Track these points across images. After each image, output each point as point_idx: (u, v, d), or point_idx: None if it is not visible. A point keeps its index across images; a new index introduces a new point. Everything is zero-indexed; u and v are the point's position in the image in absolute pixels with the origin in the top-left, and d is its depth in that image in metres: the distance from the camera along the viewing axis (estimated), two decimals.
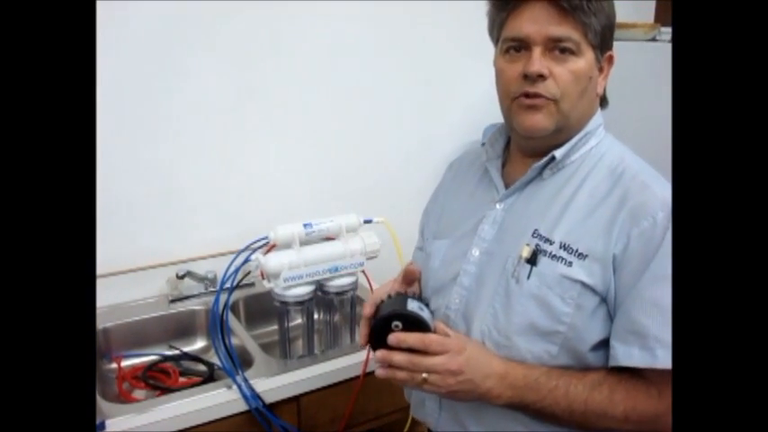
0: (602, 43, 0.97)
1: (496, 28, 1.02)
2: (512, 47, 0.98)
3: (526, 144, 1.05)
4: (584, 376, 0.94)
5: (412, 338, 0.92)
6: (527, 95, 0.97)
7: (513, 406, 0.95)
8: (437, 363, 0.91)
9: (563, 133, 1.00)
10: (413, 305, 0.96)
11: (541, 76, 0.95)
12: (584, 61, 0.96)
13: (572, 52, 0.95)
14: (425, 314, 0.96)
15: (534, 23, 0.95)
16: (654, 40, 1.94)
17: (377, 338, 0.94)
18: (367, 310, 1.01)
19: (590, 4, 0.93)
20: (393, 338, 0.92)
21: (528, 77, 0.95)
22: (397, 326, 0.93)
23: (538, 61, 0.95)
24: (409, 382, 0.93)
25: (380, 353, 0.93)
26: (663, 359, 0.89)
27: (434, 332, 0.95)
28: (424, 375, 0.91)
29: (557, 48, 0.95)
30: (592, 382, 0.93)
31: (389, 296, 1.01)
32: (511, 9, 0.98)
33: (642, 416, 0.91)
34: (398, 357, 0.92)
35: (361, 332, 1.01)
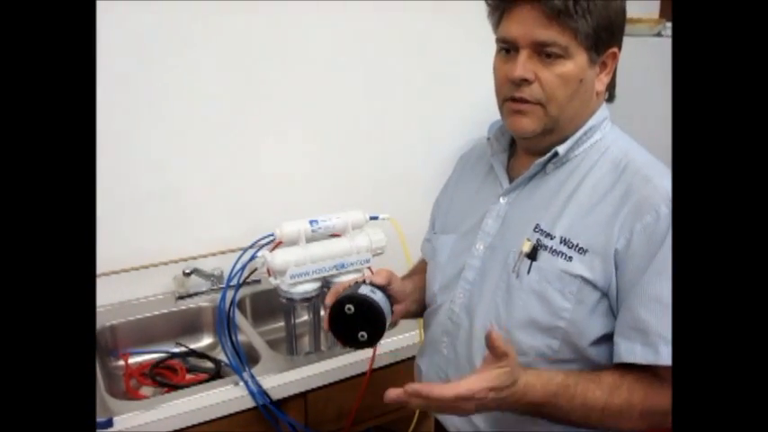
0: (598, 43, 0.95)
1: (493, 27, 1.02)
2: (503, 48, 0.99)
3: (522, 143, 1.07)
4: (600, 380, 0.92)
5: (433, 391, 0.85)
6: (513, 100, 0.98)
7: (526, 414, 0.94)
8: (450, 406, 0.87)
9: (554, 134, 1.00)
10: (365, 289, 1.04)
11: (525, 81, 0.95)
12: (574, 64, 0.95)
13: (559, 56, 0.94)
14: (377, 296, 1.04)
15: (522, 26, 0.94)
16: (659, 35, 1.93)
17: (335, 324, 1.03)
18: (328, 299, 1.06)
19: (577, 6, 0.91)
20: (410, 389, 0.85)
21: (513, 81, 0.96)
22: (349, 308, 1.01)
23: (521, 66, 0.95)
24: None
25: (393, 394, 0.86)
26: (665, 356, 0.89)
27: (391, 313, 1.06)
28: None
29: (543, 52, 0.94)
30: (610, 387, 0.91)
31: (349, 286, 1.08)
32: (503, 10, 0.98)
33: (656, 413, 0.91)
34: (415, 402, 0.87)
35: (325, 318, 1.06)
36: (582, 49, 0.94)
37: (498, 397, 0.88)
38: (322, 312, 1.61)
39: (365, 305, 1.02)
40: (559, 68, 0.94)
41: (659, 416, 0.91)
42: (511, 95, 0.98)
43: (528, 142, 1.04)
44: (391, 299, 1.09)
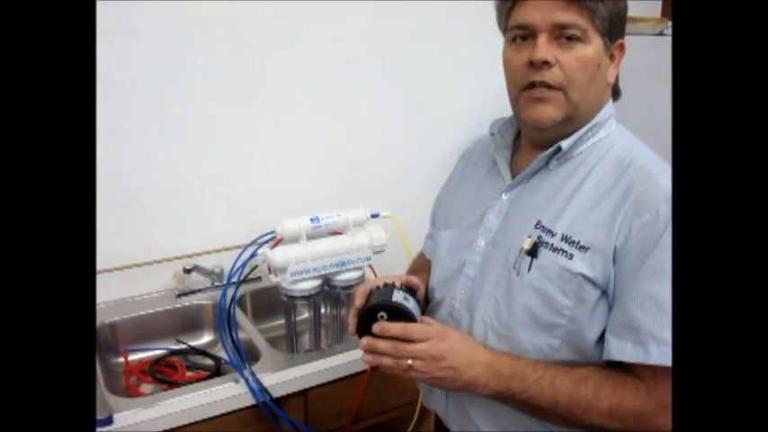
0: (611, 30, 0.96)
1: (503, 17, 1.02)
2: (518, 35, 0.98)
3: (535, 135, 1.05)
4: (571, 370, 0.94)
5: (395, 328, 0.95)
6: (533, 86, 0.96)
7: (498, 396, 0.95)
8: (420, 349, 0.94)
9: (572, 123, 0.99)
10: (398, 296, 1.00)
11: (547, 63, 0.94)
12: (592, 48, 0.95)
13: (578, 39, 0.94)
14: (410, 304, 1.00)
15: (539, 10, 0.94)
16: (661, 34, 1.93)
17: (364, 328, 0.99)
18: (357, 301, 1.04)
19: None
20: (377, 327, 0.96)
21: (533, 65, 0.95)
22: (382, 316, 0.97)
23: (543, 48, 0.94)
24: (395, 368, 0.95)
25: (365, 339, 0.98)
26: (655, 355, 0.88)
27: (420, 322, 0.99)
28: (409, 362, 0.93)
29: (563, 35, 0.94)
30: (578, 377, 0.93)
31: (378, 287, 1.04)
32: None
33: (627, 413, 0.91)
34: (383, 344, 0.95)
35: (350, 321, 1.04)
36: (598, 35, 0.95)
37: (439, 348, 0.94)
38: (322, 310, 1.61)
39: (398, 314, 0.97)
40: (579, 51, 0.95)
41: (632, 418, 0.91)
42: (531, 80, 0.96)
43: (542, 133, 1.02)
44: (420, 304, 1.06)
